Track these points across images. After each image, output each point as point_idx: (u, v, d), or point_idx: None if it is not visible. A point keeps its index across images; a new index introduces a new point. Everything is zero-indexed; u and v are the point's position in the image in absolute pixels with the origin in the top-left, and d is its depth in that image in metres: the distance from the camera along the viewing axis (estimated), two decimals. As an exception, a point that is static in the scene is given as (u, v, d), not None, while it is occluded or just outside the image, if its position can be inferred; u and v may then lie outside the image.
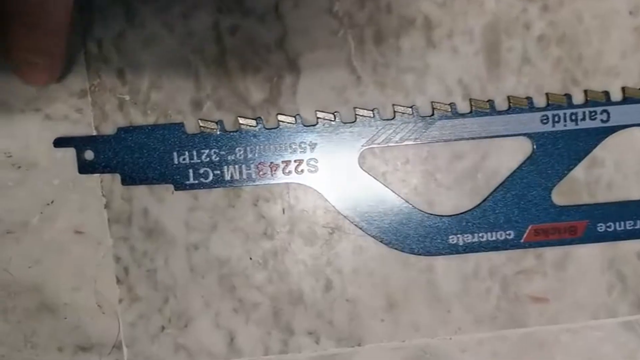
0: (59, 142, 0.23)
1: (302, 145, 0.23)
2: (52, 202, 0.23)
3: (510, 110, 0.23)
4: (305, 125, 0.23)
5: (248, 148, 0.23)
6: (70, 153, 0.23)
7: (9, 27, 0.19)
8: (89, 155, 0.23)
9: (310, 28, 0.23)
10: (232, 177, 0.23)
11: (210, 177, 0.23)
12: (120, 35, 0.22)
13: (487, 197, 0.24)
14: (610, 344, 0.25)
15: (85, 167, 0.23)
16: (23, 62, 0.20)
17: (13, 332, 0.24)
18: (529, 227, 0.24)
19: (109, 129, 0.23)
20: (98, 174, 0.23)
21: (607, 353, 0.25)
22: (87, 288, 0.24)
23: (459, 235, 0.24)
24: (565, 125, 0.23)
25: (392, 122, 0.23)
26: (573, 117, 0.23)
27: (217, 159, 0.23)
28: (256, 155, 0.23)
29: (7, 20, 0.19)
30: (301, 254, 0.24)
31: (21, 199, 0.23)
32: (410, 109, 0.23)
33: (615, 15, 0.23)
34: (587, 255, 0.24)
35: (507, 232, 0.24)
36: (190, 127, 0.23)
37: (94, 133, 0.23)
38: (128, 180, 0.23)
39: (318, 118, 0.23)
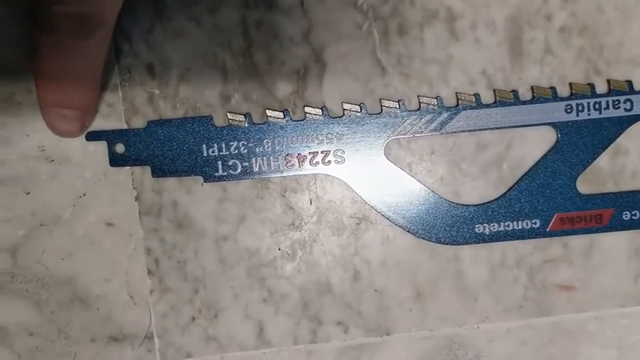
0: (91, 136, 0.23)
1: (329, 137, 0.23)
2: (84, 194, 0.24)
3: (534, 100, 0.23)
4: (331, 117, 0.23)
5: (276, 140, 0.23)
6: (101, 146, 0.23)
7: (40, 81, 0.20)
8: (119, 148, 0.23)
9: (335, 21, 0.23)
10: (260, 168, 0.23)
11: (239, 169, 0.23)
12: (149, 30, 0.23)
13: (513, 186, 0.24)
14: (639, 331, 0.25)
15: (116, 160, 0.23)
16: (54, 115, 0.21)
17: (47, 324, 0.24)
18: (555, 216, 0.24)
19: (139, 123, 0.23)
20: (129, 167, 0.23)
21: (636, 341, 0.25)
22: (119, 280, 0.24)
23: (485, 225, 0.24)
24: (589, 115, 0.23)
25: (417, 113, 0.23)
26: (597, 107, 0.23)
27: (246, 151, 0.23)
28: (284, 146, 0.23)
29: (38, 74, 0.20)
30: (329, 244, 0.24)
31: (54, 192, 0.23)
32: (435, 100, 0.23)
33: (636, 5, 0.23)
34: (613, 243, 0.24)
35: (533, 221, 0.24)
36: (219, 120, 0.23)
37: (125, 127, 0.23)
38: (158, 172, 0.23)
39: (344, 109, 0.23)
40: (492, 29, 0.23)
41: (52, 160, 0.23)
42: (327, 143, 0.23)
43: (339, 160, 0.23)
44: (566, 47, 0.23)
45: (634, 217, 0.24)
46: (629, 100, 0.23)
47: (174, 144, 0.23)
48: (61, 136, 0.22)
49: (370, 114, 0.23)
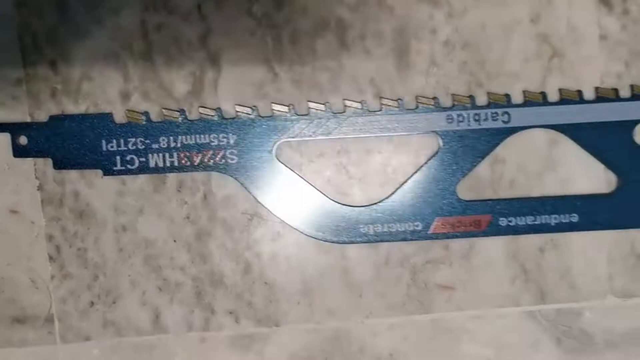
0: (-5, 128, 0.24)
1: (223, 137, 0.25)
2: (-12, 183, 0.25)
3: (418, 109, 0.25)
4: (225, 118, 0.25)
5: (172, 138, 0.25)
6: (5, 137, 0.24)
7: None
8: (23, 140, 0.24)
9: (231, 27, 0.24)
10: (156, 164, 0.25)
11: (136, 164, 0.25)
12: (54, 29, 0.24)
13: (396, 190, 0.25)
14: (514, 331, 0.27)
15: (19, 151, 0.25)
16: None
17: (-50, 303, 0.25)
18: (436, 220, 0.25)
19: (42, 116, 0.24)
20: (32, 158, 0.25)
21: (511, 340, 0.27)
22: (21, 264, 0.25)
23: (370, 225, 0.25)
24: (469, 125, 0.25)
25: (307, 117, 0.25)
26: (476, 117, 0.25)
27: (143, 147, 0.25)
28: (179, 144, 0.25)
29: None
30: (222, 238, 0.25)
31: (-40, 179, 0.25)
32: (323, 106, 0.25)
33: (517, 22, 0.25)
34: (491, 248, 0.26)
35: (415, 224, 0.25)
36: (119, 116, 0.25)
37: (29, 120, 0.24)
38: (60, 164, 0.25)
39: (237, 112, 0.25)
40: (380, 40, 0.24)
41: (-42, 149, 0.24)
42: (221, 143, 0.25)
43: (232, 159, 0.25)
44: (450, 60, 0.25)
45: (510, 224, 0.25)
46: (507, 113, 0.25)
47: (75, 138, 0.24)
48: None
49: (262, 117, 0.25)
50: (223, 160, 0.25)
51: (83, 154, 0.25)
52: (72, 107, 0.24)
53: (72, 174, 0.25)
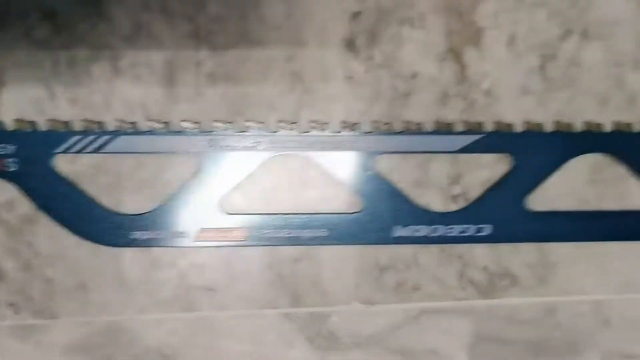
0: None
1: (4, 147, 0.27)
2: None
3: (182, 133, 0.28)
4: (7, 131, 0.27)
5: (-46, 146, 0.27)
6: None
7: None
8: None
9: (13, 49, 0.27)
10: (-61, 169, 0.27)
11: None
12: None
13: (163, 202, 0.28)
14: (272, 330, 0.30)
15: None
16: None
17: None
18: (199, 229, 0.29)
19: None
20: None
21: (269, 338, 0.30)
22: None
23: (139, 232, 0.29)
24: (227, 148, 0.28)
25: (82, 133, 0.28)
26: (235, 142, 0.28)
27: None
28: (-39, 152, 0.27)
29: None
30: (3, 238, 0.28)
31: None
32: (97, 124, 0.28)
33: (273, 60, 0.28)
34: (251, 256, 0.29)
35: (181, 232, 0.29)
36: None
37: None
38: None
39: (18, 125, 0.27)
40: (151, 69, 0.27)
41: None
42: (1, 152, 0.27)
43: (13, 168, 0.27)
44: (213, 90, 0.28)
45: (267, 235, 0.29)
46: (260, 140, 0.28)
47: None
48: None
49: (42, 131, 0.27)
50: (4, 168, 0.27)
51: None
52: None
53: None
